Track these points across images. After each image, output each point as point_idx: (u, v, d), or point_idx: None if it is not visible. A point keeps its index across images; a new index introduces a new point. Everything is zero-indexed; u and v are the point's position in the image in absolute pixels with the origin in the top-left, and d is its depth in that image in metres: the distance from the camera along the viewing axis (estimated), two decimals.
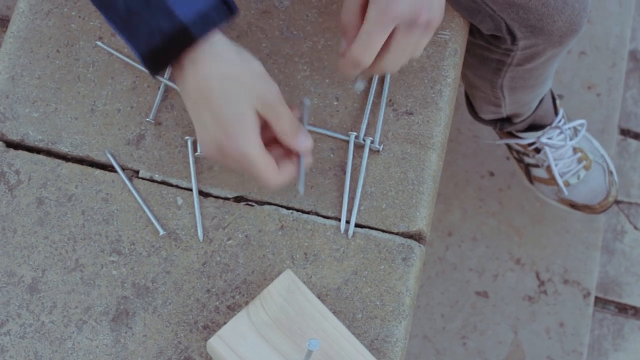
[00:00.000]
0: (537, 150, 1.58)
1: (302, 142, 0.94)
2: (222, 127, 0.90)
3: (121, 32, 0.90)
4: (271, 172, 0.92)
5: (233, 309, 1.01)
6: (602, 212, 1.63)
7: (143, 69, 1.09)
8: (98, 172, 1.06)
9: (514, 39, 1.18)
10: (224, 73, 0.90)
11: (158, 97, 1.08)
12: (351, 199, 1.06)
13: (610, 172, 1.62)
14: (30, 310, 1.01)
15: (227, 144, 0.90)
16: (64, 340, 1.00)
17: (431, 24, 0.95)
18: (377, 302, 1.02)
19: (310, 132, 1.08)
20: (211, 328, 1.01)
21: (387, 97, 1.09)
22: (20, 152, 1.06)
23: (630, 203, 1.77)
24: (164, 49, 0.89)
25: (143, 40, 0.89)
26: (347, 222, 1.05)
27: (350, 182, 1.06)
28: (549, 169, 1.60)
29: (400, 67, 0.99)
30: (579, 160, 1.60)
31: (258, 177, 0.92)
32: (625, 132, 1.82)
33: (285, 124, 0.92)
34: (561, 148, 1.56)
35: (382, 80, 1.10)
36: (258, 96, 0.90)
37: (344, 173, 1.07)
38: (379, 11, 0.93)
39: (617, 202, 1.75)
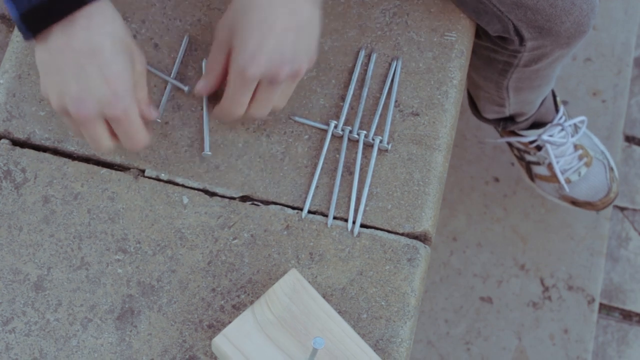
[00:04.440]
0: (539, 148, 1.59)
1: (152, 113, 0.98)
2: (111, 85, 0.91)
3: None
4: (144, 131, 0.96)
5: (238, 308, 1.01)
6: (604, 208, 1.63)
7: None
8: (104, 170, 1.06)
9: (521, 40, 1.18)
10: (115, 33, 0.92)
11: (164, 97, 1.08)
12: (357, 199, 1.06)
13: (611, 169, 1.62)
14: (36, 308, 1.01)
15: (114, 102, 0.92)
16: (69, 338, 1.00)
17: (298, 74, 0.97)
18: (382, 303, 1.02)
19: (316, 130, 1.08)
20: (216, 327, 1.00)
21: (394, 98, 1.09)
22: (26, 150, 1.06)
23: (635, 210, 1.77)
24: (53, 4, 0.89)
25: None
26: (353, 222, 1.05)
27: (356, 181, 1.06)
28: (550, 166, 1.60)
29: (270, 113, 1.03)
30: (580, 157, 1.60)
31: (132, 137, 0.95)
32: (630, 139, 1.82)
33: (143, 94, 0.97)
34: (562, 145, 1.57)
35: (390, 80, 1.10)
36: (136, 61, 0.94)
37: (350, 173, 1.07)
38: (238, 73, 0.97)
39: (622, 208, 1.75)
